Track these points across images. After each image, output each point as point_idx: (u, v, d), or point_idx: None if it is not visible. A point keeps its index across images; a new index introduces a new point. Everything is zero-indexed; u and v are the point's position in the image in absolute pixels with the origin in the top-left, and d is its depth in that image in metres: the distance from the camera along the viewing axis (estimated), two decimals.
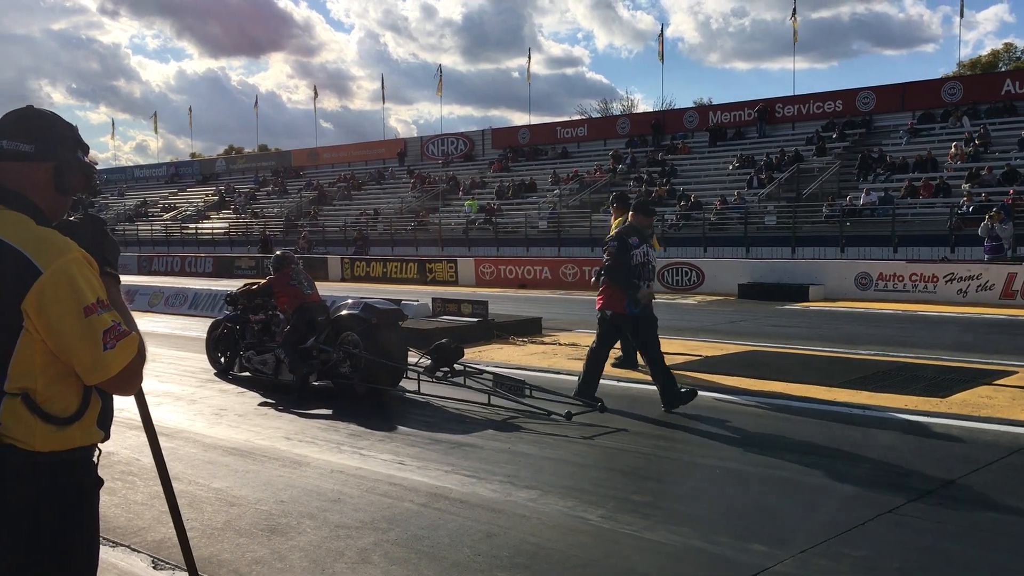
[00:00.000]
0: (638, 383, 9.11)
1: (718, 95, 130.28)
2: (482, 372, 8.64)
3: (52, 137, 2.32)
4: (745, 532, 4.69)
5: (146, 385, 9.34)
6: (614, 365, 10.00)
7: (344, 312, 8.94)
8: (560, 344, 12.10)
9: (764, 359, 10.48)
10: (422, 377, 8.70)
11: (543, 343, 12.26)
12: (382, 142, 53.42)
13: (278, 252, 10.04)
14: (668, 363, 10.18)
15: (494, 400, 8.03)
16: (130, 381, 2.26)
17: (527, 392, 8.00)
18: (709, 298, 20.31)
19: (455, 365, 8.60)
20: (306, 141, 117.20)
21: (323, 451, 6.58)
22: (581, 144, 42.58)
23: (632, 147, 39.24)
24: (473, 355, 11.08)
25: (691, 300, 19.96)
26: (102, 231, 2.44)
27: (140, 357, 2.27)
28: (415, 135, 56.08)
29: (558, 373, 9.77)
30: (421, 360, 9.00)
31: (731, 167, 34.31)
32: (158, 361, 11.21)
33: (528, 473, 5.87)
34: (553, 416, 7.49)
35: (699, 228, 29.37)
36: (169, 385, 9.57)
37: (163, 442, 6.76)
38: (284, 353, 9.10)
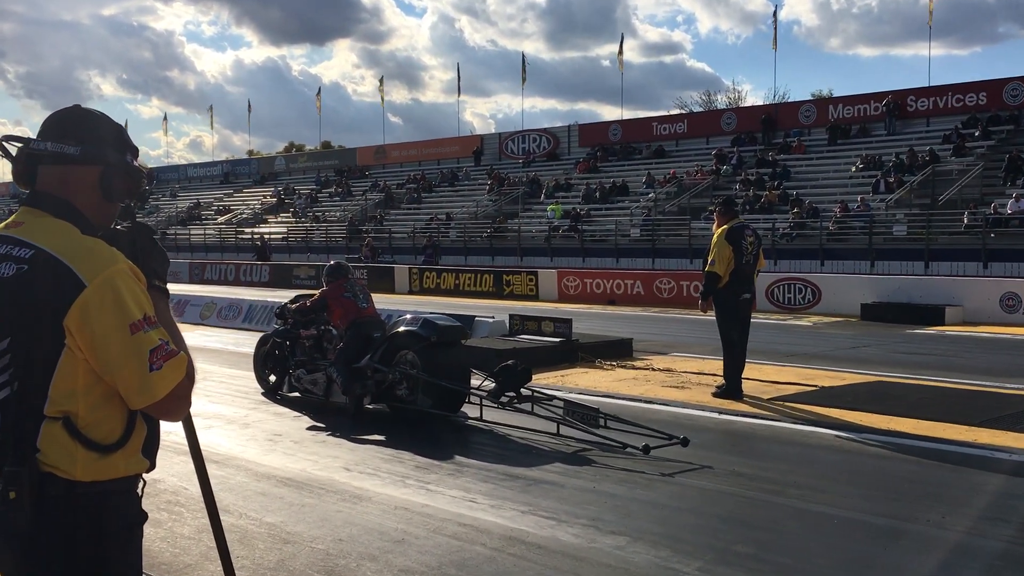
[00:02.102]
0: (742, 416, 8.97)
1: (839, 86, 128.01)
2: (551, 398, 8.64)
3: (99, 139, 2.39)
4: None
5: (195, 406, 9.54)
6: (715, 395, 9.89)
7: (401, 328, 9.05)
8: (653, 369, 12.00)
9: (891, 391, 10.23)
10: (485, 402, 8.73)
11: (634, 368, 12.18)
12: (456, 139, 53.93)
13: (332, 262, 10.21)
14: (778, 393, 10.11)
15: (564, 430, 8.03)
16: (178, 406, 2.31)
17: (601, 422, 7.97)
18: (826, 319, 19.92)
19: (522, 390, 8.62)
20: (373, 138, 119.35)
21: (386, 484, 6.64)
22: (680, 142, 42.25)
23: (739, 146, 38.76)
24: (555, 380, 11.08)
25: (805, 321, 19.61)
26: (150, 240, 2.51)
27: (189, 379, 2.32)
28: (493, 131, 56.60)
29: (650, 403, 9.69)
30: (484, 383, 9.03)
31: (854, 169, 33.58)
32: (209, 380, 11.50)
33: (614, 516, 5.82)
34: (629, 449, 7.46)
35: (816, 239, 28.82)
36: (220, 407, 9.81)
37: (212, 470, 6.93)
38: (336, 372, 9.25)
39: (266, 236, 46.14)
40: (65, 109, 2.42)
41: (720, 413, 9.13)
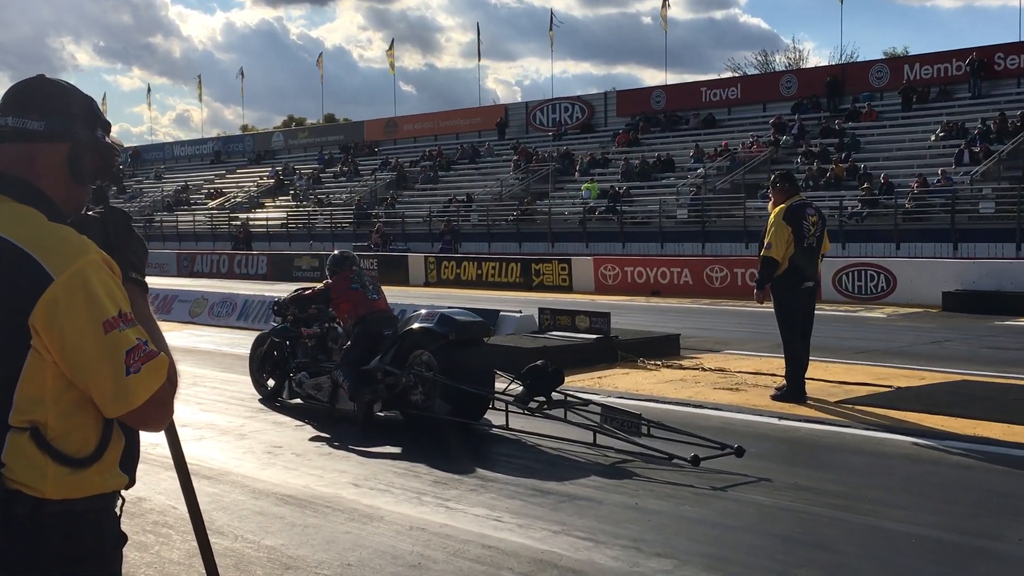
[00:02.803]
0: (805, 421, 8.94)
1: (916, 43, 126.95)
2: (587, 403, 8.65)
3: (66, 113, 2.40)
4: None
5: (185, 415, 9.68)
6: (774, 397, 9.86)
7: (415, 325, 9.06)
8: (703, 369, 11.97)
9: (977, 392, 10.16)
10: (511, 408, 8.75)
11: (682, 368, 12.16)
12: (477, 109, 53.95)
13: (337, 251, 10.25)
14: (847, 395, 10.05)
15: (601, 439, 8.04)
16: (159, 414, 2.32)
17: (644, 430, 7.97)
18: (903, 310, 19.79)
19: (553, 393, 8.63)
20: (382, 109, 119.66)
21: (400, 502, 6.67)
22: (733, 109, 42.06)
23: (800, 113, 38.54)
24: (591, 382, 11.08)
25: (878, 313, 19.50)
26: (126, 227, 2.52)
27: (171, 384, 2.33)
28: (519, 100, 56.51)
29: (700, 408, 9.67)
30: (511, 387, 9.03)
31: (933, 138, 33.30)
32: (200, 385, 11.59)
33: (658, 536, 5.82)
34: (675, 460, 7.45)
35: (889, 218, 28.61)
36: (213, 415, 9.88)
37: (205, 487, 7.05)
38: (342, 375, 9.29)
39: (251, 221, 46.39)
40: (27, 80, 2.43)
41: (780, 419, 9.10)
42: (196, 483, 7.32)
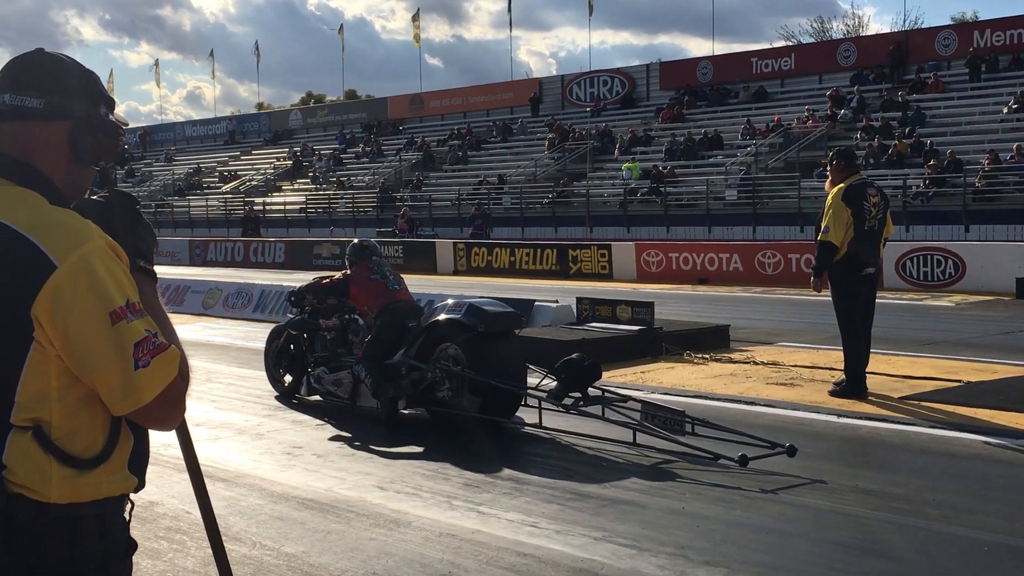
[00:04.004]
0: (866, 419, 8.88)
1: (986, 8, 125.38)
2: (626, 399, 8.63)
3: (66, 89, 2.40)
4: None
5: (199, 413, 9.77)
6: (833, 393, 9.81)
7: (442, 317, 9.06)
8: (755, 363, 11.93)
9: None
10: (544, 405, 8.75)
11: (732, 361, 12.11)
12: (509, 84, 53.97)
13: (356, 240, 10.27)
14: (911, 390, 9.98)
15: (641, 438, 8.03)
16: (170, 411, 2.33)
17: (687, 428, 7.95)
18: (972, 298, 19.64)
19: (590, 389, 8.61)
20: (407, 84, 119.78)
21: (428, 506, 6.68)
22: (786, 81, 41.84)
23: (860, 84, 38.25)
24: (633, 378, 11.06)
25: (945, 301, 19.37)
26: (133, 211, 2.53)
27: (182, 379, 2.33)
28: (554, 73, 56.47)
29: (752, 404, 9.63)
30: (544, 382, 9.01)
31: (1006, 110, 32.97)
32: (215, 381, 11.66)
33: (707, 543, 5.80)
34: (722, 461, 7.43)
35: (958, 199, 28.37)
36: (229, 413, 9.95)
37: (220, 490, 7.09)
38: (364, 370, 9.30)
39: (267, 205, 46.59)
40: (25, 54, 2.44)
41: (839, 416, 9.05)
42: (211, 486, 7.37)
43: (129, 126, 2.69)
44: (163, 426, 2.36)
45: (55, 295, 2.20)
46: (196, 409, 10.00)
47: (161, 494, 6.90)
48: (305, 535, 6.16)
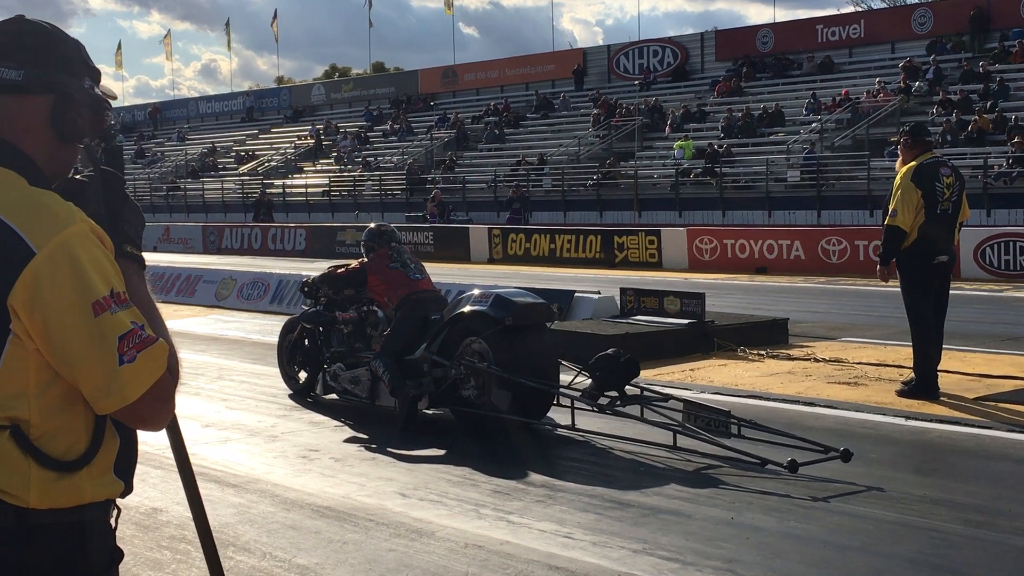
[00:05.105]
0: (938, 421, 8.82)
1: None
2: (667, 398, 8.61)
3: (49, 60, 2.40)
4: None
5: (209, 413, 9.82)
6: (901, 393, 9.76)
7: (467, 309, 9.04)
8: (816, 360, 11.87)
9: None
10: (577, 404, 8.74)
11: (791, 358, 12.07)
12: (551, 55, 53.87)
13: (372, 225, 10.29)
14: (988, 390, 9.90)
15: (682, 440, 8.01)
16: (158, 410, 2.33)
17: (733, 430, 7.93)
18: None
19: (627, 387, 8.59)
20: (440, 56, 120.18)
21: (454, 515, 6.70)
22: (855, 51, 41.56)
23: (937, 53, 37.89)
24: (682, 376, 11.05)
25: None
26: (120, 193, 2.53)
27: (172, 375, 2.34)
28: (599, 43, 56.29)
29: (811, 405, 9.60)
30: (577, 380, 8.99)
31: None
32: (227, 379, 11.75)
33: (758, 556, 5.78)
34: (770, 466, 7.41)
35: None
36: (241, 413, 10.02)
37: (230, 496, 7.16)
38: (382, 366, 9.31)
39: (287, 188, 46.71)
40: (4, 23, 2.44)
41: (908, 418, 8.99)
42: (219, 492, 7.46)
43: (117, 99, 2.70)
44: (151, 426, 2.37)
45: (33, 284, 2.21)
46: (206, 408, 10.09)
47: (165, 500, 6.95)
48: (319, 545, 6.19)
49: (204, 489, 7.10)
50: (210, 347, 14.12)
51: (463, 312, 9.06)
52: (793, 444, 7.68)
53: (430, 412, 9.50)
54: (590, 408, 8.67)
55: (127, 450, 2.44)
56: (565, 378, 9.24)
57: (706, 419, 8.02)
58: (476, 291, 9.47)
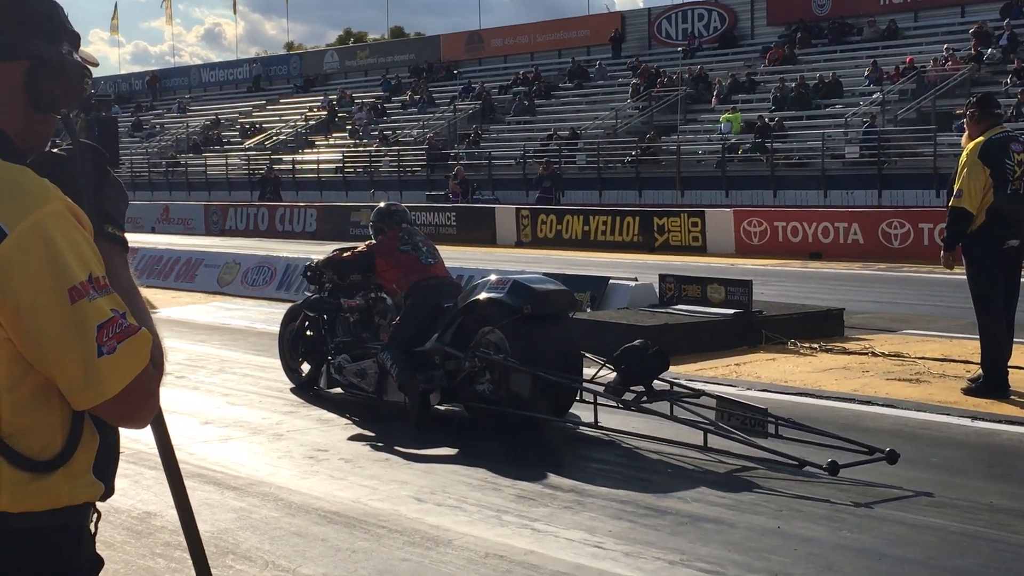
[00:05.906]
0: (1007, 422, 8.78)
1: None
2: (699, 394, 8.60)
3: (21, 22, 2.40)
4: None
5: (208, 409, 9.84)
6: (967, 391, 9.71)
7: (482, 296, 9.03)
8: (874, 354, 11.83)
9: None
10: (600, 400, 8.74)
11: (846, 352, 12.03)
12: (585, 19, 53.77)
13: (382, 204, 10.28)
14: None
15: (715, 440, 8.00)
16: (140, 406, 2.33)
17: (771, 429, 7.90)
18: None
19: (655, 382, 8.60)
20: (464, 20, 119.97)
21: (474, 521, 6.70)
22: (920, 15, 41.30)
23: (1011, 17, 37.60)
24: (727, 371, 11.03)
25: None
26: (100, 168, 2.53)
27: (155, 368, 2.33)
28: (639, 6, 56.03)
29: (868, 404, 9.56)
30: (601, 373, 8.98)
31: None
32: (229, 372, 11.79)
33: (807, 569, 5.77)
34: (808, 468, 7.40)
35: None
36: (243, 409, 10.04)
37: (230, 500, 7.18)
38: (390, 358, 9.29)
39: (287, 164, 46.72)
40: None
41: (974, 419, 8.95)
42: (219, 495, 7.50)
43: (98, 66, 2.70)
44: (132, 423, 2.37)
45: (4, 268, 2.21)
46: (206, 404, 10.13)
47: (160, 504, 6.96)
48: (326, 554, 6.20)
49: (202, 492, 7.15)
50: (211, 337, 14.16)
51: (478, 300, 9.04)
52: (835, 444, 7.65)
53: (443, 408, 9.51)
54: (614, 404, 8.67)
55: (107, 449, 2.43)
56: (589, 372, 9.23)
57: (741, 417, 7.98)
58: (492, 277, 9.44)
